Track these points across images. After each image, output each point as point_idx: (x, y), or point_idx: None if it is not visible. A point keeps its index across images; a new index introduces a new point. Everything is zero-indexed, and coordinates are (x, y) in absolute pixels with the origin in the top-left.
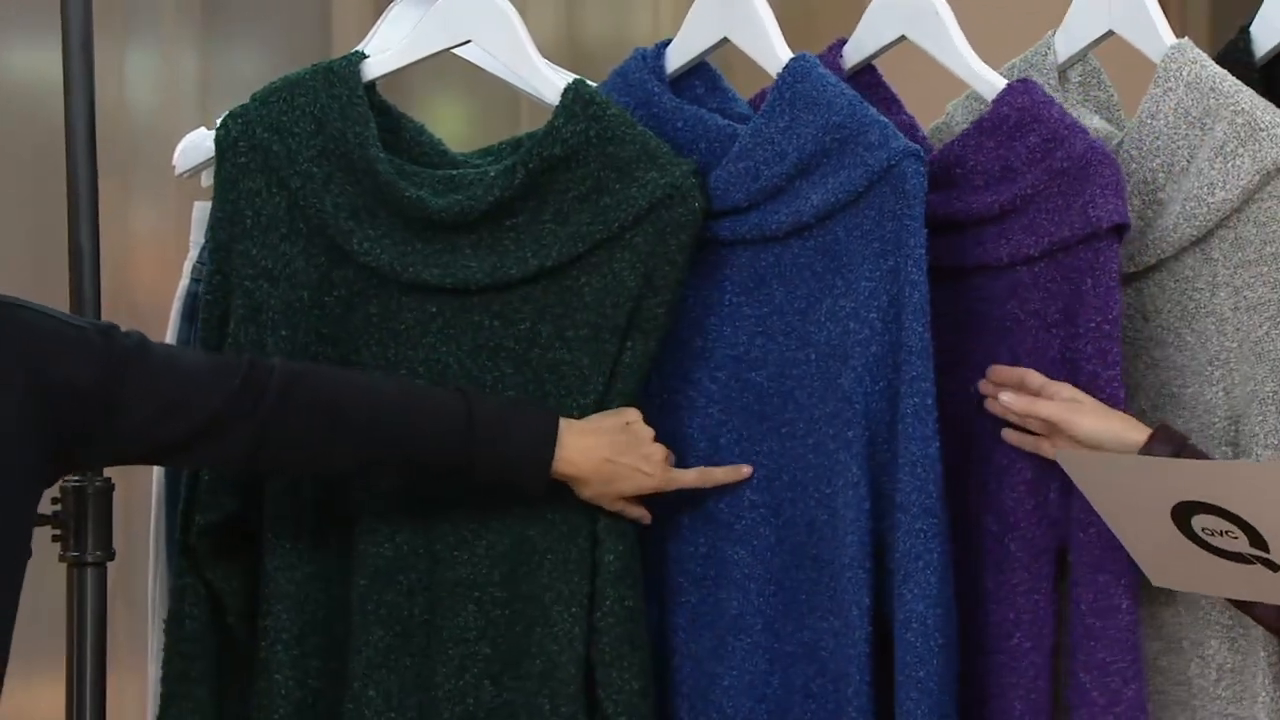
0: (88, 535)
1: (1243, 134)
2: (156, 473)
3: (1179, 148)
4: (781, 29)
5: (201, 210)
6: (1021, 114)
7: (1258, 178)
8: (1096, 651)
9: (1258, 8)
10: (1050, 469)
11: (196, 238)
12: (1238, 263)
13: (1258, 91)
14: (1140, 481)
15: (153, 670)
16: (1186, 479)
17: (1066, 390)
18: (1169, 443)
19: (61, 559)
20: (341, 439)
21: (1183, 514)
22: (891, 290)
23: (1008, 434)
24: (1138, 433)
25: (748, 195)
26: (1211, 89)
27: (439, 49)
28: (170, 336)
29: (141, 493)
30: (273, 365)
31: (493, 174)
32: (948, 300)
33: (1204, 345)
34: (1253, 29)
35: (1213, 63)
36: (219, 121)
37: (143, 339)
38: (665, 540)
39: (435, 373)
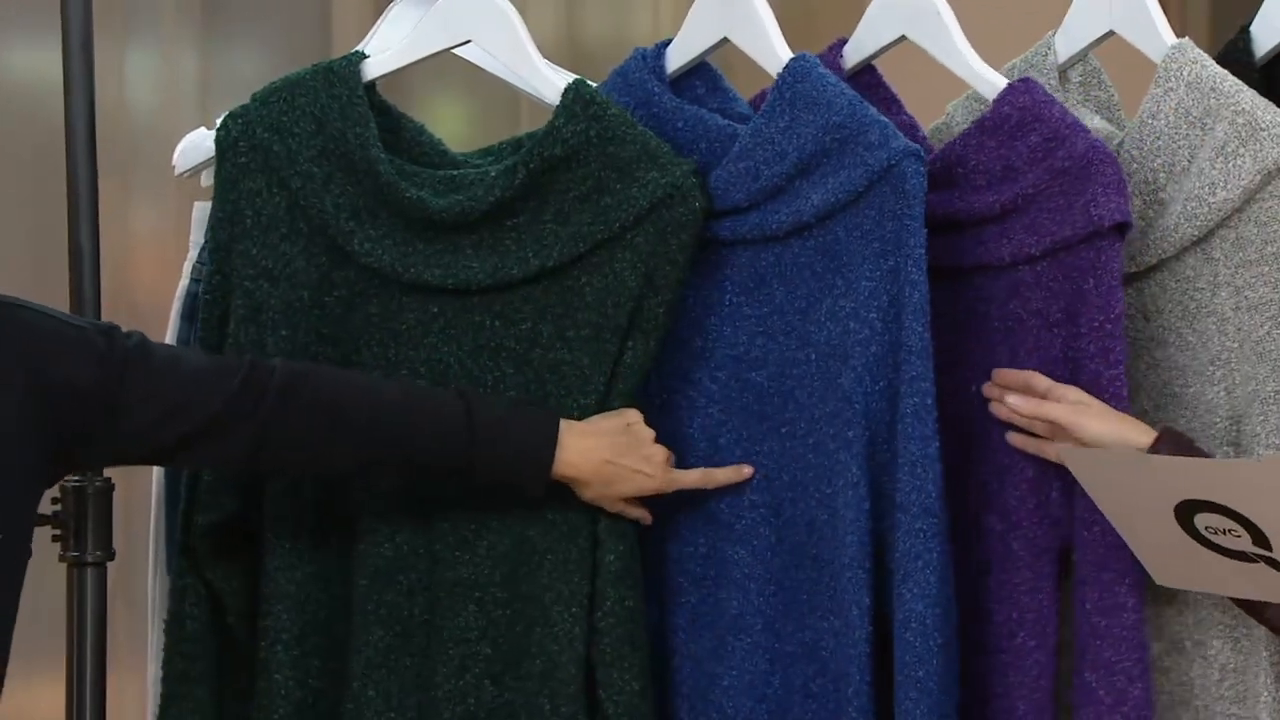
0: (88, 535)
1: (1244, 134)
2: (156, 473)
3: (1180, 148)
4: (781, 29)
5: (201, 210)
6: (1023, 113)
7: (1259, 177)
8: (1102, 650)
9: (1258, 8)
10: (1052, 467)
11: (196, 238)
12: (1239, 262)
13: (1258, 91)
14: (1143, 480)
15: (153, 670)
16: (1189, 477)
17: (1073, 393)
18: (1175, 445)
19: (61, 559)
20: (342, 439)
21: (1186, 512)
22: (892, 290)
23: (1012, 437)
24: (1144, 435)
25: (748, 195)
26: (1212, 89)
27: (439, 49)
28: (170, 337)
29: (141, 493)
30: (273, 366)
31: (493, 174)
32: (948, 300)
33: (1205, 345)
34: (1253, 29)
35: (1213, 63)
36: (219, 121)
37: (143, 339)
38: (665, 540)
39: (436, 373)
